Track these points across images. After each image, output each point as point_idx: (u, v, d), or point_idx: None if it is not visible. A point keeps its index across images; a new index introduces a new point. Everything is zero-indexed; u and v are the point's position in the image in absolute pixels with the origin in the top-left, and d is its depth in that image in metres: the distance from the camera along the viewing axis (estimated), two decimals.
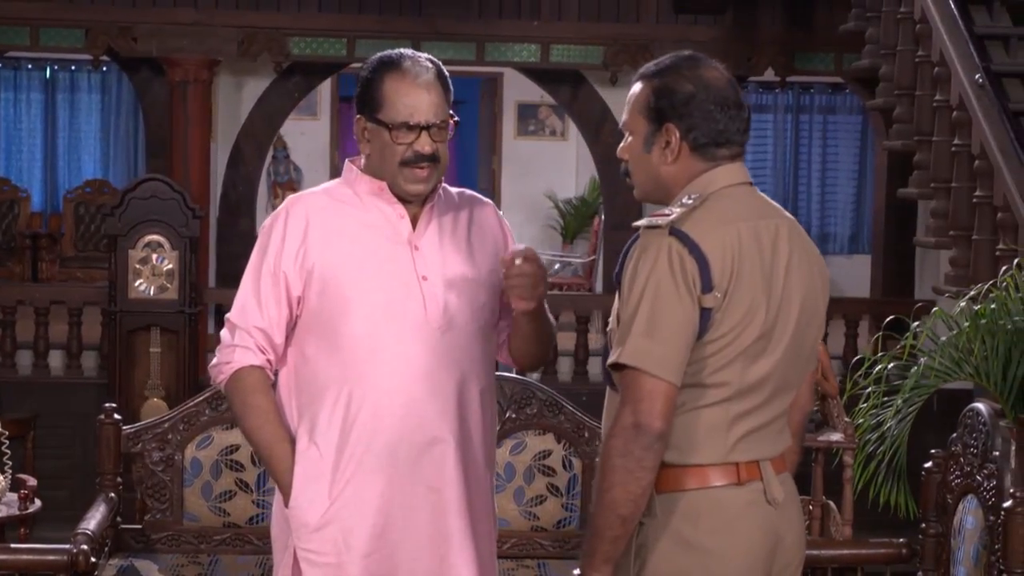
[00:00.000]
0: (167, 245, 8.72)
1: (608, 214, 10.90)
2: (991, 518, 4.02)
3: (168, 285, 8.76)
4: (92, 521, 4.59)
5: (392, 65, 3.36)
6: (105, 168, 14.32)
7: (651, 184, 3.05)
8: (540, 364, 3.93)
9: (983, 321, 4.82)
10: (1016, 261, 4.94)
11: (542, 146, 14.71)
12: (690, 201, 2.91)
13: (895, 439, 4.87)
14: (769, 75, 9.75)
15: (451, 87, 3.42)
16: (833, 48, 9.58)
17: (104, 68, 13.52)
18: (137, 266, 8.73)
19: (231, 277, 9.99)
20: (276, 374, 3.49)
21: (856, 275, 12.63)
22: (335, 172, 14.75)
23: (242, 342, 3.41)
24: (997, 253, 6.07)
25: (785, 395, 3.00)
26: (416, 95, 3.33)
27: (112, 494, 4.86)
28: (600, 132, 10.44)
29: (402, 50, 3.42)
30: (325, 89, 13.50)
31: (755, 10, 9.57)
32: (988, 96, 6.23)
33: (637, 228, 2.94)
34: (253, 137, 10.27)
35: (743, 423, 2.92)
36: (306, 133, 13.95)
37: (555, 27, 9.65)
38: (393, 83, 3.34)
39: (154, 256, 8.74)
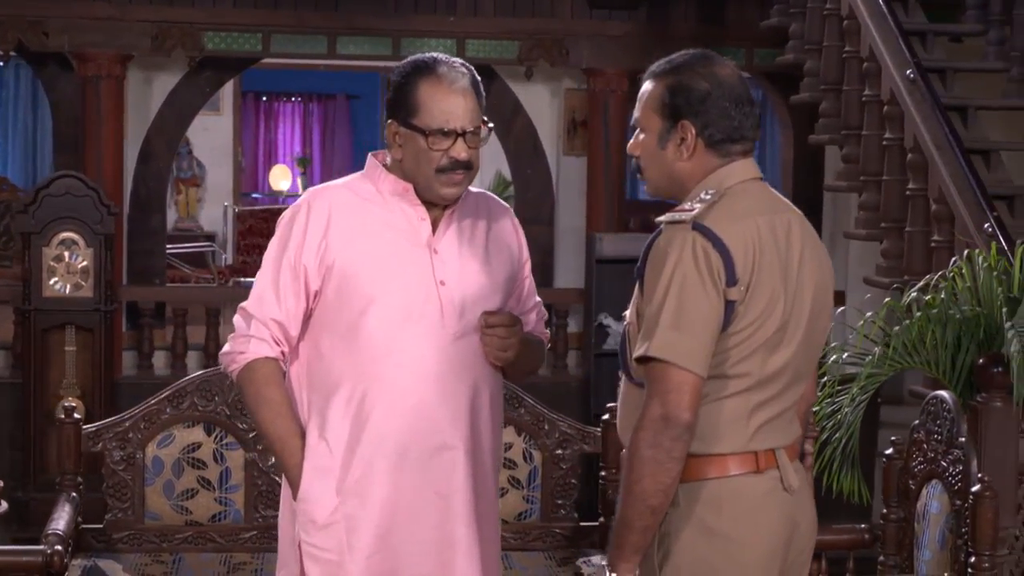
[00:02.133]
0: (82, 242, 8.66)
1: (519, 208, 10.94)
2: (958, 502, 4.12)
3: (83, 283, 8.70)
4: (60, 521, 4.55)
5: (427, 70, 3.35)
6: (3, 165, 14.07)
7: (665, 180, 3.10)
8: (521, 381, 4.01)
9: (934, 311, 4.96)
10: (966, 252, 5.09)
11: None
12: (708, 196, 2.97)
13: (850, 426, 5.00)
14: None
15: (483, 92, 3.41)
16: (744, 43, 9.71)
17: (2, 63, 13.29)
18: (51, 263, 8.65)
19: (143, 274, 9.89)
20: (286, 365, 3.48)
21: None
22: (238, 168, 14.66)
23: (258, 333, 3.39)
24: (932, 244, 6.21)
25: (798, 385, 3.08)
26: (452, 101, 3.33)
27: (74, 494, 4.81)
28: (512, 127, 10.48)
29: (435, 54, 3.41)
30: (228, 85, 13.38)
31: (668, 6, 9.66)
32: (920, 91, 6.36)
33: (659, 223, 2.98)
34: (163, 133, 10.14)
35: (761, 412, 3.00)
36: (209, 129, 13.80)
37: (470, 22, 9.66)
38: (429, 88, 3.33)
39: (67, 254, 8.65)
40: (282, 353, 3.43)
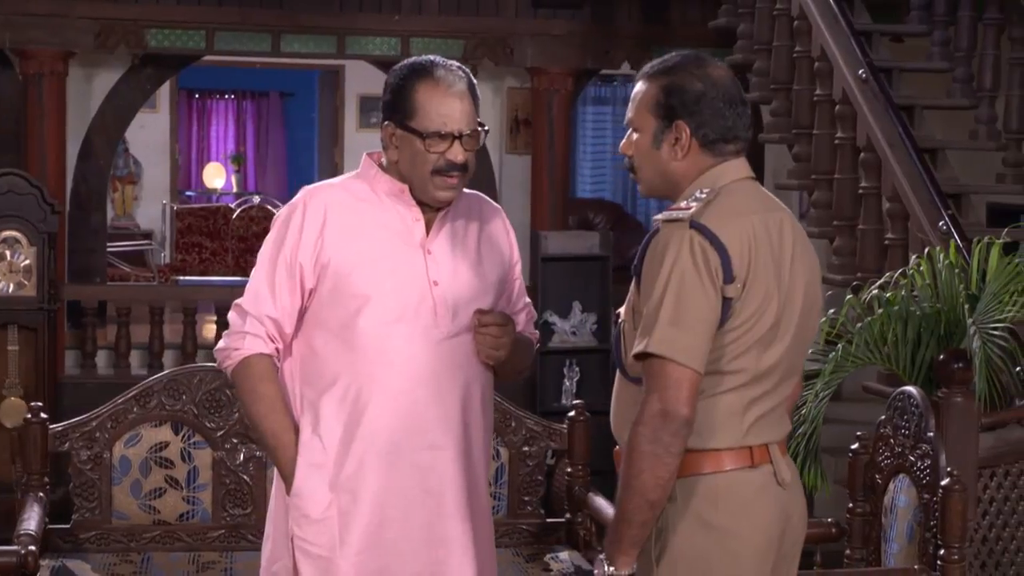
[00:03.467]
0: (24, 241, 8.57)
1: None
2: (926, 496, 4.19)
3: (26, 282, 8.62)
4: (31, 522, 4.54)
5: (425, 73, 3.37)
6: None
7: (659, 179, 3.14)
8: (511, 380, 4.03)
9: (895, 308, 5.04)
10: (927, 250, 5.17)
11: None
12: (703, 195, 3.01)
13: (814, 420, 5.07)
14: (626, 68, 9.94)
15: (478, 95, 3.44)
16: (688, 43, 9.75)
17: None
18: None
19: (84, 273, 9.82)
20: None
21: None
22: (175, 165, 14.56)
23: (253, 329, 3.41)
24: (886, 242, 6.30)
25: (790, 380, 3.13)
26: (450, 104, 3.35)
27: (41, 494, 4.79)
28: None
29: (432, 57, 3.43)
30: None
31: (612, 5, 9.72)
32: (872, 90, 6.45)
33: (655, 222, 3.02)
34: (104, 130, 10.08)
35: (756, 408, 3.04)
36: (145, 126, 13.66)
37: (415, 21, 9.68)
38: (426, 91, 3.36)
39: (9, 252, 8.58)
40: (276, 350, 3.45)
